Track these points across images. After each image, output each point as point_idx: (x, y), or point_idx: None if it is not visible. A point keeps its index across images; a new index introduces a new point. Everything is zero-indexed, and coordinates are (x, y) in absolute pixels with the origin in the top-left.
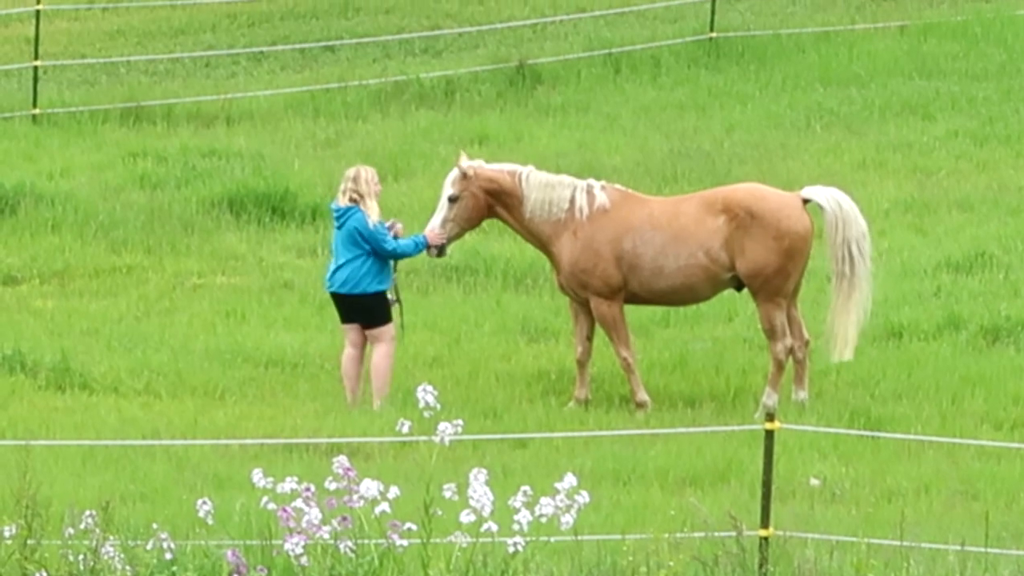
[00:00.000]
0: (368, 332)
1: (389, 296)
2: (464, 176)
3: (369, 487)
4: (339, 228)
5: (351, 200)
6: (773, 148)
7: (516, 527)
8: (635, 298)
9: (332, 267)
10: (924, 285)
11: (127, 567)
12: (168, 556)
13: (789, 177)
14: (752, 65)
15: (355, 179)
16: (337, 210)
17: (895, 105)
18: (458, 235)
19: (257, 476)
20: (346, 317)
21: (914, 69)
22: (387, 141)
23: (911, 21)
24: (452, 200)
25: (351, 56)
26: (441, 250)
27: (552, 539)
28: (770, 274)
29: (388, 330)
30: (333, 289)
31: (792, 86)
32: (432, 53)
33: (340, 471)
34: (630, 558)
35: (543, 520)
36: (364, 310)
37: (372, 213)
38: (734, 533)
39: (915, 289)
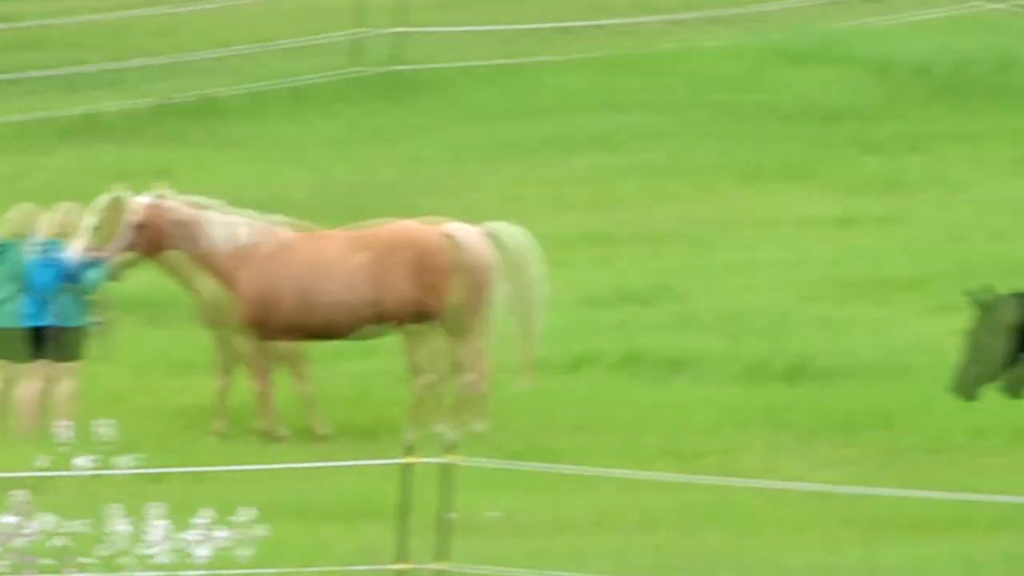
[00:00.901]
0: (57, 367)
1: (93, 322)
2: (146, 207)
3: (46, 521)
4: (24, 263)
5: (54, 235)
6: (458, 180)
7: (194, 560)
8: (298, 332)
9: (23, 302)
10: (604, 317)
11: None
12: None
13: (473, 210)
14: (438, 98)
15: (57, 215)
16: (27, 244)
17: (579, 138)
18: (133, 263)
19: None
20: (35, 352)
21: (598, 102)
22: (68, 175)
23: (596, 54)
24: (134, 229)
25: (38, 89)
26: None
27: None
28: (456, 309)
29: (76, 366)
30: (34, 323)
31: (477, 118)
32: (116, 86)
33: (16, 505)
34: None
35: (219, 552)
36: (61, 344)
37: (72, 247)
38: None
39: (596, 321)
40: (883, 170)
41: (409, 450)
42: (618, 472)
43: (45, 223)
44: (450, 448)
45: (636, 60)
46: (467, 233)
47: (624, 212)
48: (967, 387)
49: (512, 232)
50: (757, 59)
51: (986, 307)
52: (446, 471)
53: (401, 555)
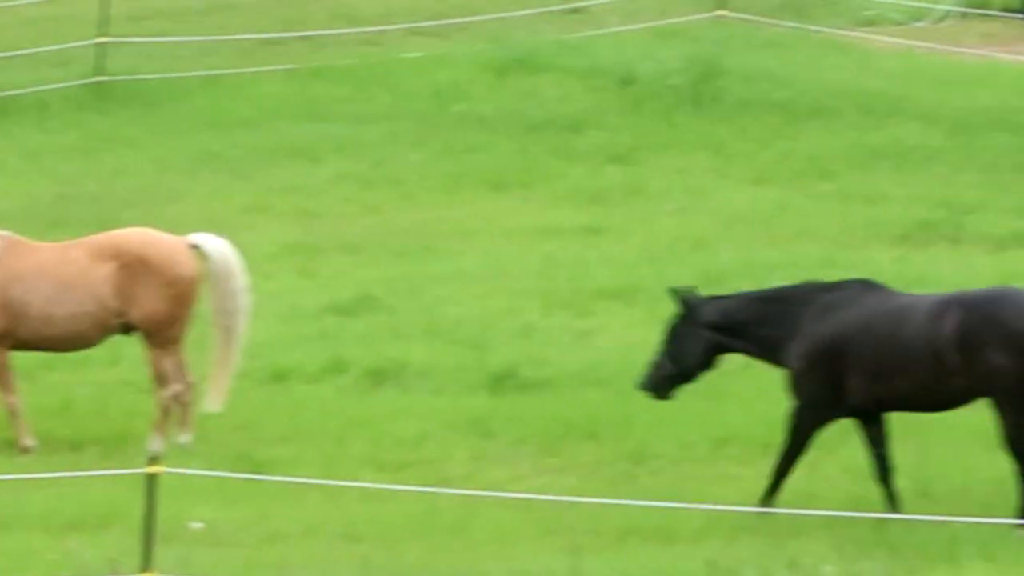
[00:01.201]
0: None
1: None
2: None
3: None
4: None
5: None
6: (160, 192)
7: None
8: (25, 345)
9: None
10: (309, 328)
11: None
12: None
13: (175, 222)
14: (141, 109)
15: None
16: None
17: (282, 148)
18: None
19: None
20: None
21: (301, 112)
22: None
23: (299, 65)
24: None
25: None
26: None
27: None
28: (162, 320)
29: None
30: None
31: (180, 130)
32: None
33: None
34: None
35: None
36: None
37: None
38: None
39: (300, 332)
40: (586, 181)
41: (153, 460)
42: (323, 482)
43: None
44: (154, 459)
45: (338, 71)
46: (215, 245)
47: (327, 223)
48: (659, 386)
49: (215, 243)
50: (461, 70)
51: (688, 307)
52: (151, 481)
53: (146, 565)
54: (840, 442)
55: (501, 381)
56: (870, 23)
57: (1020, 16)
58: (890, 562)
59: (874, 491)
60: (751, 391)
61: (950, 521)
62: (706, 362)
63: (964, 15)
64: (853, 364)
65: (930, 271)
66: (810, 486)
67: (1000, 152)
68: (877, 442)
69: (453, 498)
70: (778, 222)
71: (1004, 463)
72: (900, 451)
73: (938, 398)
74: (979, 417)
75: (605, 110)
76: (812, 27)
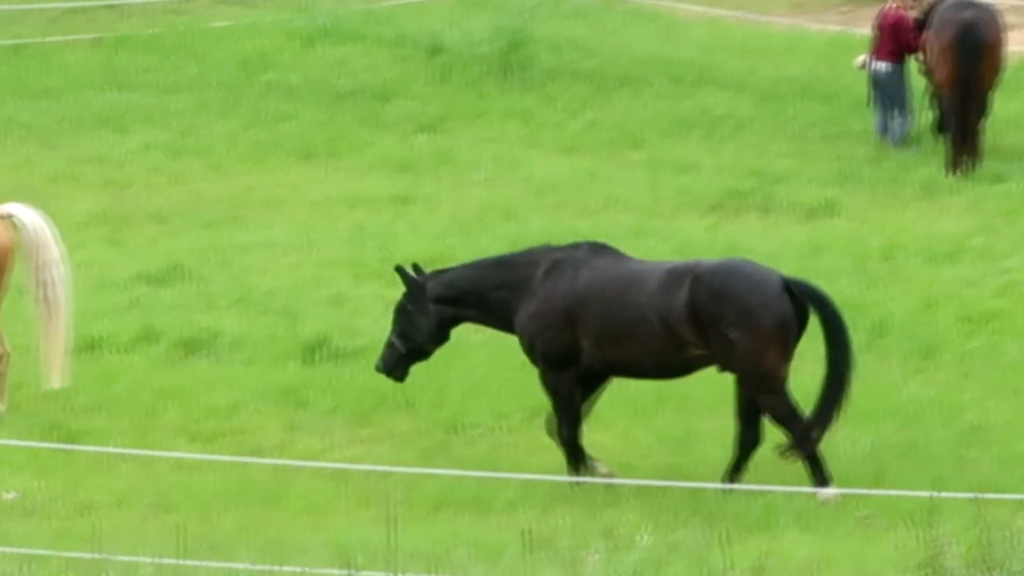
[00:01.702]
0: None
1: None
2: None
3: None
4: None
5: None
6: None
7: None
8: None
9: None
10: (119, 298)
11: None
12: None
13: None
14: None
15: None
16: None
17: (89, 118)
18: None
19: None
20: None
21: (107, 82)
22: None
23: (104, 34)
24: None
25: None
26: None
27: None
28: None
29: None
30: None
31: None
32: None
33: None
34: None
35: None
36: None
37: None
38: None
39: (110, 302)
40: (395, 150)
41: None
42: (135, 452)
43: None
44: None
45: (145, 40)
46: (28, 216)
47: (136, 192)
48: (396, 366)
49: (29, 214)
50: (268, 39)
51: (412, 284)
52: None
53: None
54: (654, 411)
55: (313, 351)
56: None
57: None
58: (706, 531)
59: (689, 460)
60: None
61: (765, 490)
62: (439, 335)
63: None
64: (584, 325)
65: (741, 240)
66: (625, 455)
67: (809, 121)
68: (584, 406)
69: (267, 468)
70: (588, 191)
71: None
72: (714, 421)
73: (670, 366)
74: (792, 386)
75: (413, 79)
76: None
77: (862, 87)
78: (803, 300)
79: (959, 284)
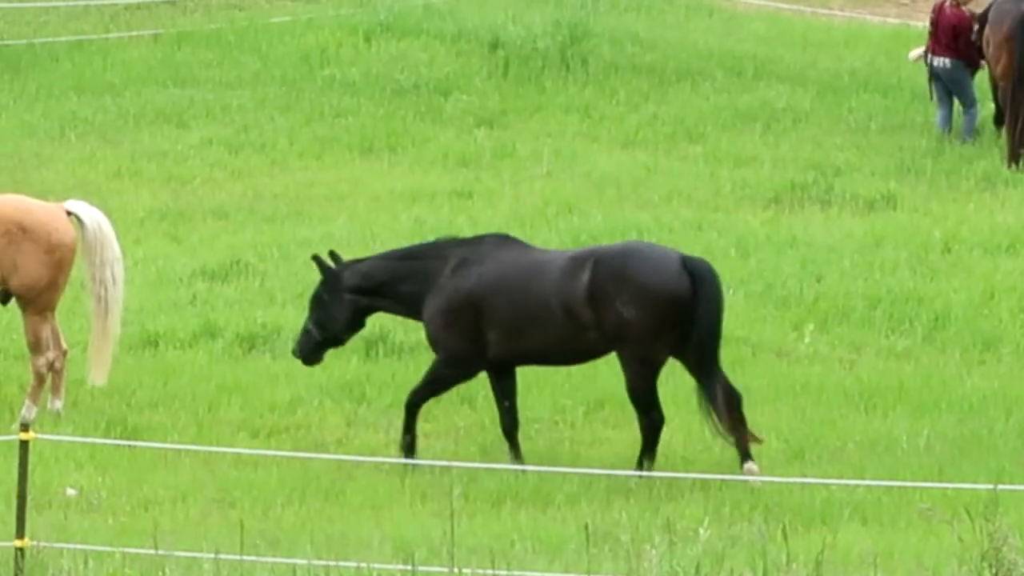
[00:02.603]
0: None
1: None
2: None
3: None
4: None
5: None
6: (27, 158)
7: None
8: None
9: None
10: (180, 294)
11: None
12: None
13: (44, 187)
14: (7, 75)
15: None
16: None
17: (149, 113)
18: None
19: None
20: None
21: (168, 78)
22: None
23: (165, 30)
24: None
25: None
26: None
27: None
28: (42, 288)
29: None
30: None
31: (46, 95)
32: None
33: None
34: None
35: None
36: None
37: None
38: None
39: (171, 298)
40: (455, 145)
41: (24, 427)
42: (196, 448)
43: None
44: (26, 426)
45: (205, 36)
46: (90, 214)
47: (196, 188)
48: (311, 352)
49: (90, 212)
50: (328, 34)
51: (328, 273)
52: (23, 448)
53: (20, 532)
54: None
55: (373, 346)
56: None
57: None
58: (766, 524)
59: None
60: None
61: (824, 483)
62: (354, 324)
63: None
64: (489, 318)
65: (800, 233)
66: (685, 449)
67: (868, 114)
68: (507, 394)
69: (327, 463)
70: (647, 185)
71: (877, 425)
72: (773, 414)
73: (573, 352)
74: (851, 379)
75: (473, 74)
76: None
77: (922, 79)
78: (693, 278)
79: (1019, 276)
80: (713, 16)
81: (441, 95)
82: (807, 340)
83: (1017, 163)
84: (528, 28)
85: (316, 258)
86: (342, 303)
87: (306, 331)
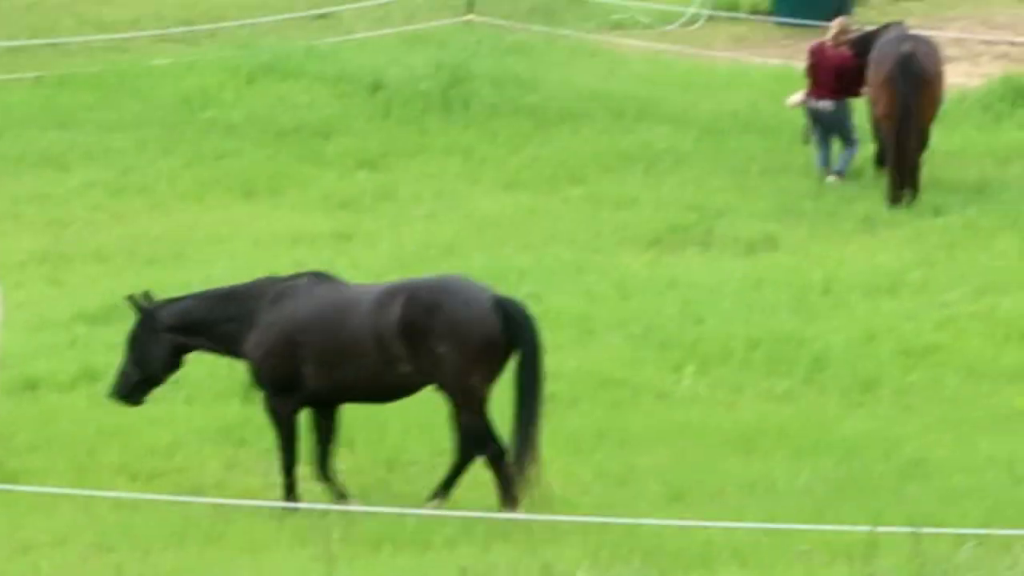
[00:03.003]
0: None
1: None
2: None
3: None
4: None
5: None
6: None
7: None
8: None
9: None
10: (60, 337)
11: None
12: None
13: None
14: None
15: None
16: None
17: (30, 156)
18: None
19: None
20: None
21: (49, 120)
22: None
23: (46, 72)
24: None
25: None
26: None
27: None
28: None
29: None
30: None
31: None
32: None
33: None
34: None
35: None
36: None
37: None
38: None
39: (51, 341)
40: (336, 187)
41: None
42: (75, 491)
43: None
44: None
45: (86, 78)
46: None
47: (77, 231)
48: (130, 393)
49: None
50: (209, 76)
51: (145, 313)
52: None
53: None
54: (594, 447)
55: (252, 389)
56: (619, 27)
57: (768, 19)
58: (644, 567)
59: (628, 495)
60: (502, 396)
61: (703, 526)
62: (172, 363)
63: (712, 18)
64: (306, 353)
65: (681, 275)
66: (564, 491)
67: (749, 156)
68: (327, 436)
69: (206, 507)
70: (529, 227)
71: (757, 466)
72: (653, 456)
73: (388, 387)
74: (731, 421)
75: (355, 116)
76: (561, 31)
77: (802, 121)
78: (509, 320)
79: (899, 318)
80: (595, 58)
81: (322, 137)
82: (687, 382)
83: (897, 204)
84: (410, 70)
85: (129, 298)
86: (160, 342)
87: (124, 371)
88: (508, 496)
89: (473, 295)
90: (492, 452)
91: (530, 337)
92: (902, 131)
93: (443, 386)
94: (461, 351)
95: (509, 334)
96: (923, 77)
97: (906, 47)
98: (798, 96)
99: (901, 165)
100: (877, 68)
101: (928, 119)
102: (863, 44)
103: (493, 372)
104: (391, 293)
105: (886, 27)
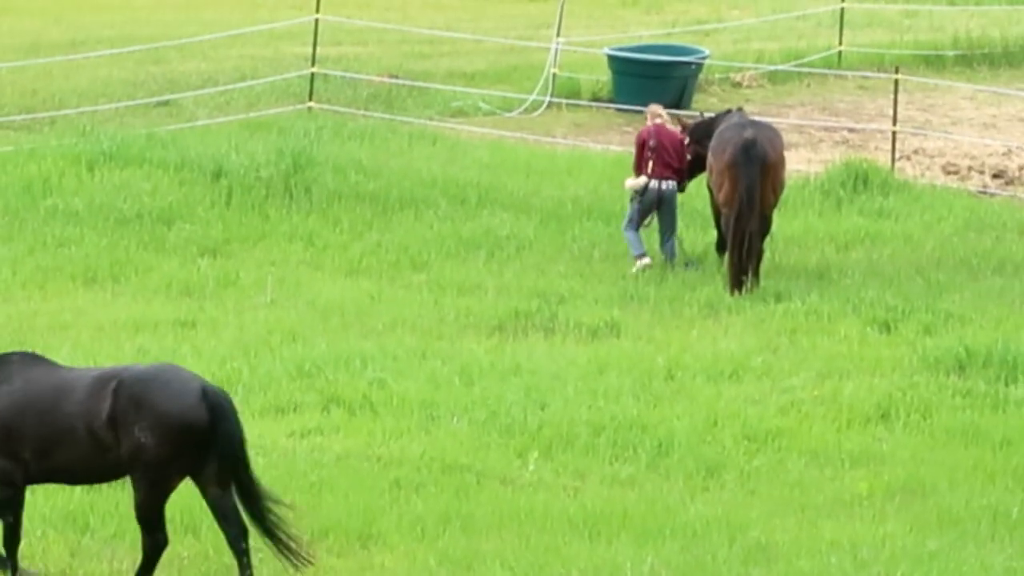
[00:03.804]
0: None
1: None
2: None
3: None
4: None
5: None
6: None
7: None
8: None
9: None
10: None
11: None
12: None
13: None
14: None
15: None
16: None
17: None
18: None
19: None
20: None
21: None
22: None
23: None
24: None
25: None
26: None
27: None
28: None
29: None
30: None
31: None
32: None
33: None
34: None
35: None
36: None
37: None
38: None
39: None
40: (178, 273)
41: None
42: None
43: None
44: None
45: None
46: None
47: None
48: None
49: None
50: (51, 163)
51: None
52: None
53: None
54: (439, 532)
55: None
56: (460, 113)
57: (608, 105)
58: None
59: None
60: (348, 484)
61: None
62: None
63: (553, 104)
64: (20, 438)
65: (524, 361)
66: None
67: (591, 241)
68: (17, 515)
69: None
70: (372, 313)
71: (602, 552)
72: (498, 541)
73: (99, 472)
74: (576, 506)
75: (196, 203)
76: (401, 118)
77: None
78: (212, 410)
79: (742, 402)
80: (437, 144)
81: (164, 224)
82: (531, 467)
83: (740, 290)
84: (251, 157)
85: None
86: None
87: None
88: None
89: (181, 387)
90: (158, 541)
91: (232, 428)
92: (743, 217)
93: (137, 474)
94: (166, 443)
95: (213, 425)
96: (766, 162)
97: (748, 133)
98: (639, 179)
99: (741, 251)
100: (719, 154)
101: (770, 205)
102: (702, 130)
103: (191, 463)
104: (102, 381)
105: (726, 113)
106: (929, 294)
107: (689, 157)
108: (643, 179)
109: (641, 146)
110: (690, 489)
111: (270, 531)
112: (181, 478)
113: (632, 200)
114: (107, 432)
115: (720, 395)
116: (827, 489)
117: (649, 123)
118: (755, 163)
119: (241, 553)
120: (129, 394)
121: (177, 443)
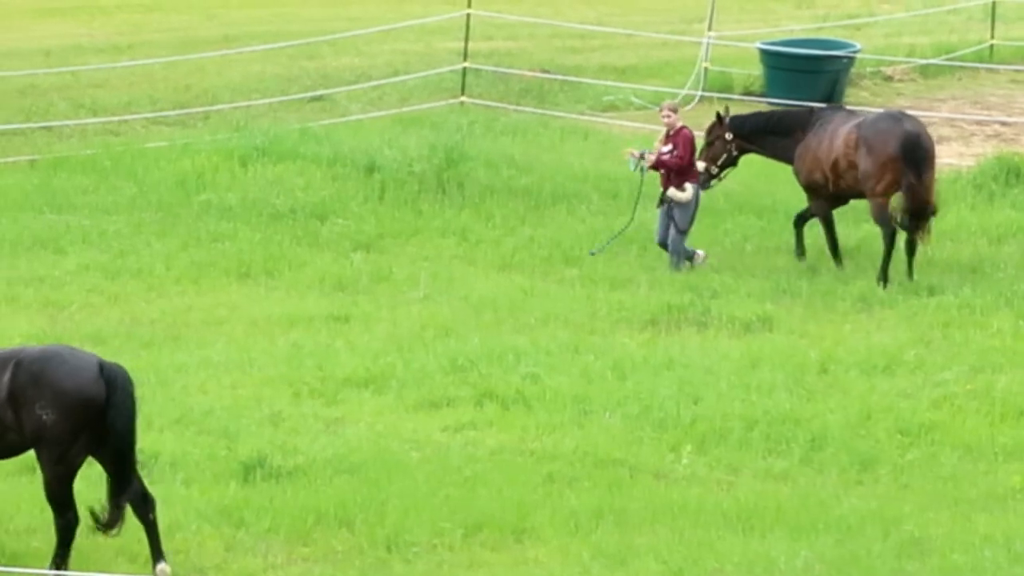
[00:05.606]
0: None
1: None
2: None
3: None
4: None
5: None
6: None
7: None
8: None
9: None
10: None
11: None
12: None
13: None
14: None
15: None
16: None
17: (26, 239)
18: None
19: None
20: None
21: (44, 203)
22: None
23: (41, 155)
24: None
25: None
26: None
27: None
28: None
29: None
30: None
31: None
32: None
33: None
34: None
35: None
36: None
37: None
38: None
39: None
40: (332, 268)
41: None
42: (74, 574)
43: None
44: None
45: (81, 161)
46: None
47: (73, 314)
48: None
49: None
50: (204, 159)
51: None
52: None
53: None
54: (593, 526)
55: (252, 470)
56: (612, 108)
57: (760, 99)
58: None
59: (625, 574)
60: (501, 479)
61: None
62: None
63: (706, 98)
64: None
65: (677, 355)
66: (562, 571)
67: (744, 236)
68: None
69: None
70: (524, 308)
71: (755, 546)
72: (651, 535)
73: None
74: (729, 500)
75: (349, 198)
76: (553, 113)
77: (798, 200)
78: (109, 383)
79: (895, 396)
80: (588, 139)
81: (318, 219)
82: (685, 461)
83: (889, 283)
84: (404, 152)
85: None
86: None
87: None
88: (62, 552)
89: (79, 364)
90: (69, 520)
91: (126, 402)
92: (920, 209)
93: (42, 452)
94: (66, 419)
95: (109, 396)
96: (928, 155)
97: (908, 126)
98: (687, 190)
99: (916, 233)
100: (876, 146)
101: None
102: (796, 121)
103: (91, 440)
104: (1, 362)
105: (809, 112)
106: None
107: (735, 153)
108: (690, 190)
109: (692, 148)
110: (844, 483)
111: (113, 503)
112: (86, 454)
113: (674, 208)
114: (6, 411)
115: (873, 389)
116: (981, 483)
117: (678, 123)
118: (920, 156)
119: (150, 525)
120: (28, 373)
121: (78, 418)
